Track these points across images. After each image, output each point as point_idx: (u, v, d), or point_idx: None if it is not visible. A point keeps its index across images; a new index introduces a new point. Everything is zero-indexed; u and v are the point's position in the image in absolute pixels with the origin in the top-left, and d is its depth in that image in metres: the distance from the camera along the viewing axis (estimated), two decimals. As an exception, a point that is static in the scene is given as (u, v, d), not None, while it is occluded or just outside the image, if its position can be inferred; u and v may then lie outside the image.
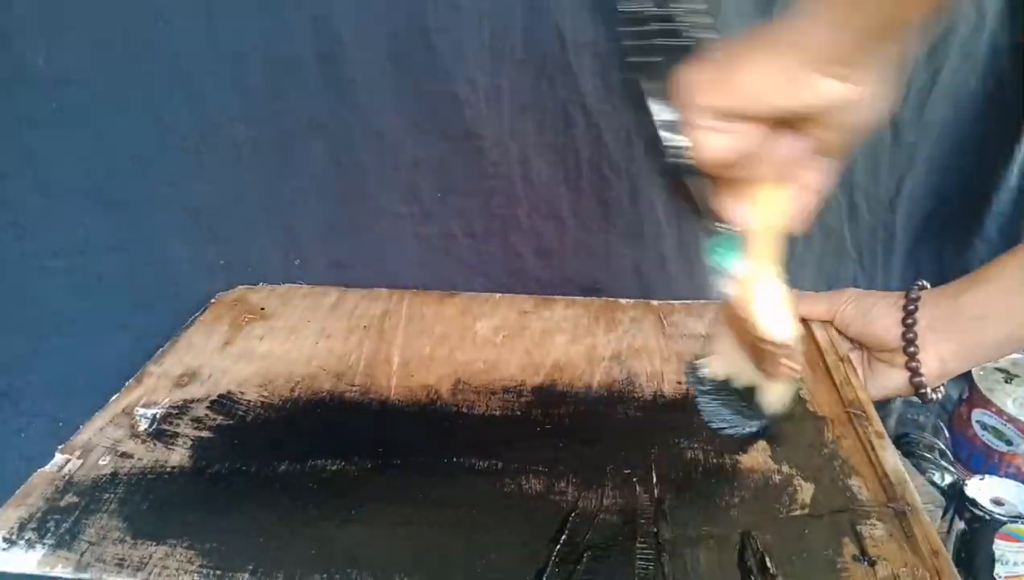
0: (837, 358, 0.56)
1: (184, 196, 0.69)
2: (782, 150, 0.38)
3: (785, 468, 0.46)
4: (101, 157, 0.66)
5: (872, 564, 0.38)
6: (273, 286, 0.67)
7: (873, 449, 0.47)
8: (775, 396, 0.46)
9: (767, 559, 0.39)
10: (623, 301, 0.65)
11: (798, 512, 0.42)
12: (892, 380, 0.55)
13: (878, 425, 0.49)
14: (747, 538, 0.40)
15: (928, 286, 0.55)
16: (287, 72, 0.65)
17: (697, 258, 0.78)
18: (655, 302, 0.64)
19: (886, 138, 0.76)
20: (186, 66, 0.64)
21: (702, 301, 0.65)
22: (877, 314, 0.55)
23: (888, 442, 0.48)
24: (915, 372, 0.54)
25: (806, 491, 0.44)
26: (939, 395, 0.55)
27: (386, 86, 0.67)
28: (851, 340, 0.59)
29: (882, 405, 0.67)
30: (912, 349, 0.53)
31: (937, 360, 0.53)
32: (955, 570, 0.38)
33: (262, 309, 0.64)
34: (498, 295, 0.66)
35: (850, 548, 0.40)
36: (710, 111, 0.37)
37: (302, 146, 0.68)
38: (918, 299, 0.54)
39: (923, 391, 0.54)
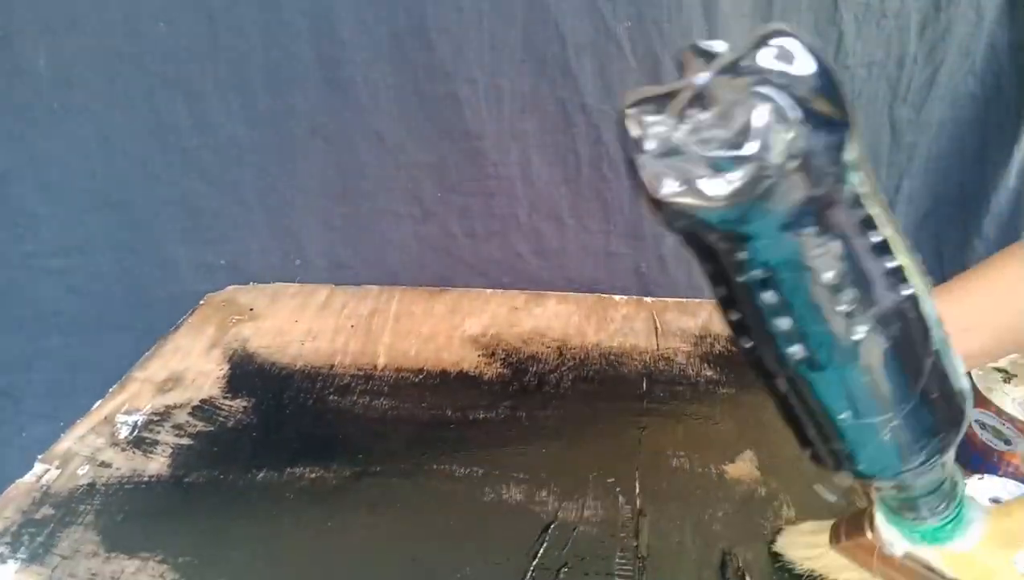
0: None
1: (184, 196, 0.69)
2: None
3: (770, 481, 0.45)
4: (101, 157, 0.66)
5: None
6: (263, 285, 0.65)
7: None
8: None
9: (747, 578, 0.38)
10: (616, 298, 0.64)
11: (782, 526, 0.41)
12: None
13: None
14: (728, 556, 0.40)
15: None
16: (287, 72, 0.65)
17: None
18: (648, 299, 0.64)
19: (885, 138, 0.77)
20: (186, 66, 0.64)
21: (697, 300, 0.64)
22: None
23: None
24: None
25: (790, 505, 0.43)
26: None
27: (386, 86, 0.67)
28: None
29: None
30: None
31: None
32: None
33: (251, 309, 0.63)
34: (489, 291, 0.65)
35: None
36: None
37: (302, 146, 0.68)
38: None
39: None
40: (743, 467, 0.46)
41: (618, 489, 0.44)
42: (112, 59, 0.63)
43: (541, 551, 0.40)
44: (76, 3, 0.61)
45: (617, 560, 0.39)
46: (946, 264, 0.82)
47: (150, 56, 0.63)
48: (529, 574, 0.38)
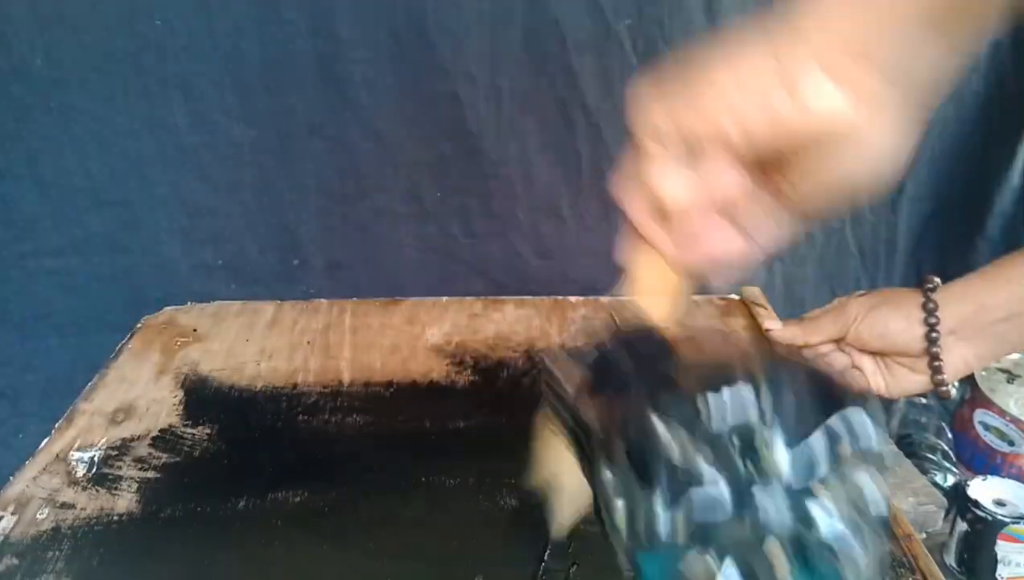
0: (783, 350, 0.56)
1: (184, 196, 0.69)
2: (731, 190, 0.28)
3: None
4: (98, 156, 0.66)
5: None
6: (203, 305, 0.63)
7: None
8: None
9: None
10: (572, 299, 0.64)
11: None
12: (913, 383, 0.54)
13: None
14: None
15: (939, 282, 0.54)
16: (287, 72, 0.65)
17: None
18: (604, 298, 0.64)
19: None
20: (186, 66, 0.64)
21: None
22: (896, 327, 0.54)
23: None
24: (937, 371, 0.53)
25: None
26: (955, 389, 0.54)
27: (386, 86, 0.67)
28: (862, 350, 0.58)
29: (885, 406, 0.67)
30: (936, 357, 0.52)
31: (961, 361, 0.52)
32: (927, 552, 0.39)
33: (194, 330, 0.60)
34: (445, 299, 0.64)
35: None
36: (670, 137, 0.28)
37: (301, 146, 0.68)
38: (936, 309, 0.52)
39: (944, 389, 0.53)
40: None
41: None
42: (109, 58, 0.63)
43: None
44: (76, 3, 0.61)
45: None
46: (949, 264, 0.81)
47: (147, 55, 0.63)
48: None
